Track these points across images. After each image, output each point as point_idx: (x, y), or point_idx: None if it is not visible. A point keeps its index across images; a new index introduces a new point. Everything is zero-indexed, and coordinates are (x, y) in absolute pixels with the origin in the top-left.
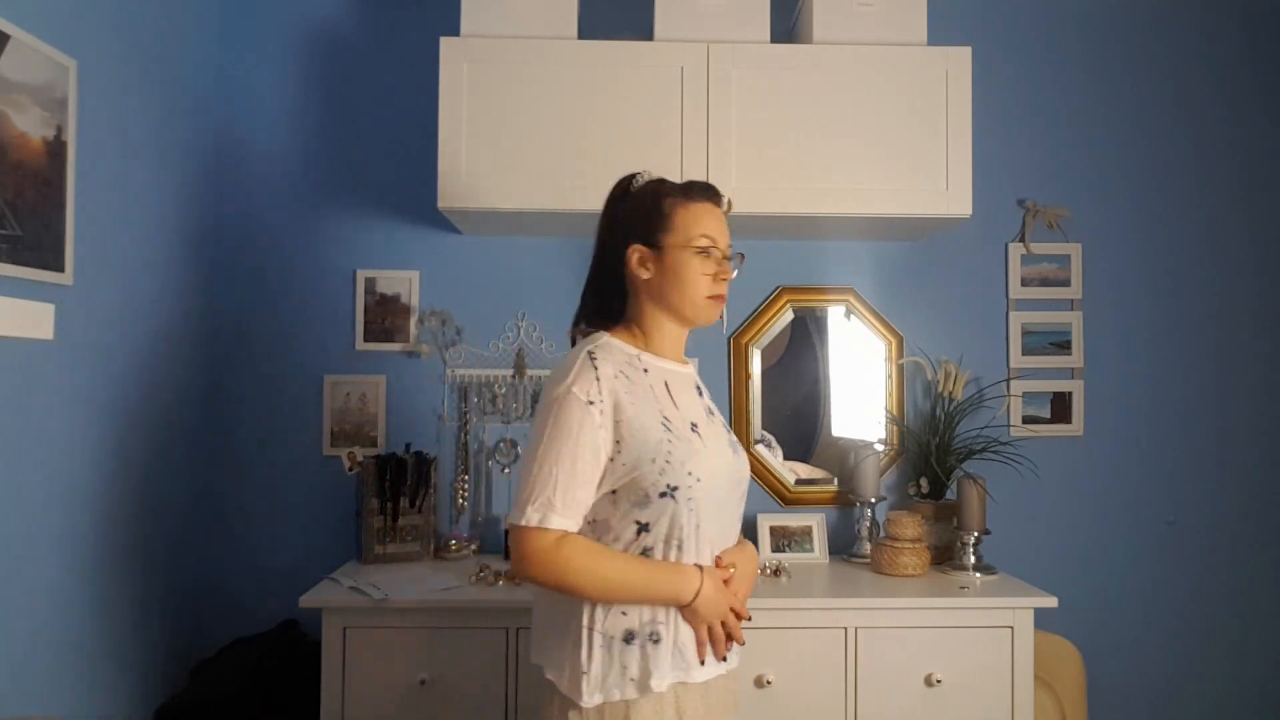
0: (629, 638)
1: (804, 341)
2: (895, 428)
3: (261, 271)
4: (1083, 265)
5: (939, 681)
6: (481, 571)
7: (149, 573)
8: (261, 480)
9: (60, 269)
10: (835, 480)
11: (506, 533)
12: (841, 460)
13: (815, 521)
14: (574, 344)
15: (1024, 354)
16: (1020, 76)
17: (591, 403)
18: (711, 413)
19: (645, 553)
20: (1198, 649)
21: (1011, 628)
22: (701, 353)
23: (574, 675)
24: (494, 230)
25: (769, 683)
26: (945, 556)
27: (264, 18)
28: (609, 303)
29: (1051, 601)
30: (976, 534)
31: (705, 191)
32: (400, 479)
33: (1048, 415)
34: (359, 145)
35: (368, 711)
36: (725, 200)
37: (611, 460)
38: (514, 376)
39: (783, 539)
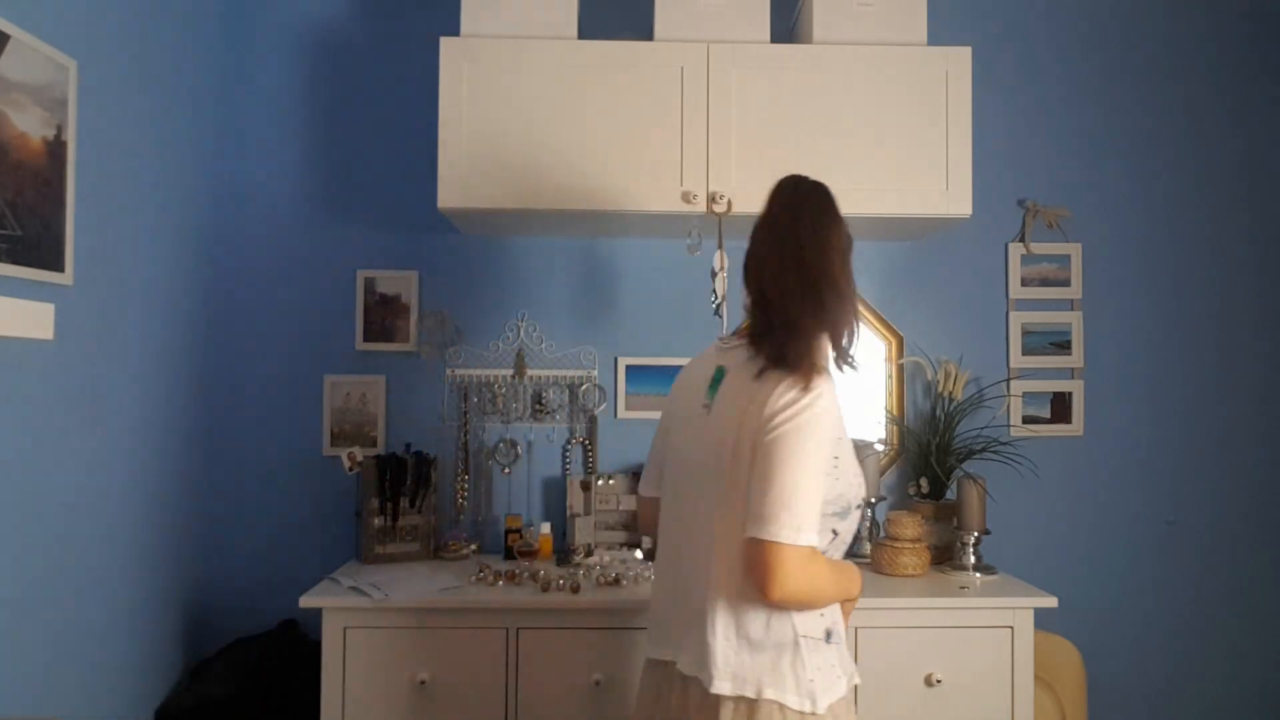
0: (829, 636)
1: None
2: (895, 428)
3: (262, 271)
4: (1083, 265)
5: (939, 681)
6: (481, 571)
7: (149, 573)
8: (261, 480)
9: (60, 269)
10: None
11: (758, 547)
12: None
13: None
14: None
15: (1024, 354)
16: (1020, 76)
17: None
18: None
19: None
20: (1198, 649)
21: (1011, 628)
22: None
23: (802, 686)
24: (494, 230)
25: None
26: (945, 556)
27: (264, 18)
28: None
29: (1051, 601)
30: (976, 534)
31: None
32: (400, 479)
33: (1048, 415)
34: (359, 145)
35: (368, 711)
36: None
37: (828, 474)
38: (514, 377)
39: None
